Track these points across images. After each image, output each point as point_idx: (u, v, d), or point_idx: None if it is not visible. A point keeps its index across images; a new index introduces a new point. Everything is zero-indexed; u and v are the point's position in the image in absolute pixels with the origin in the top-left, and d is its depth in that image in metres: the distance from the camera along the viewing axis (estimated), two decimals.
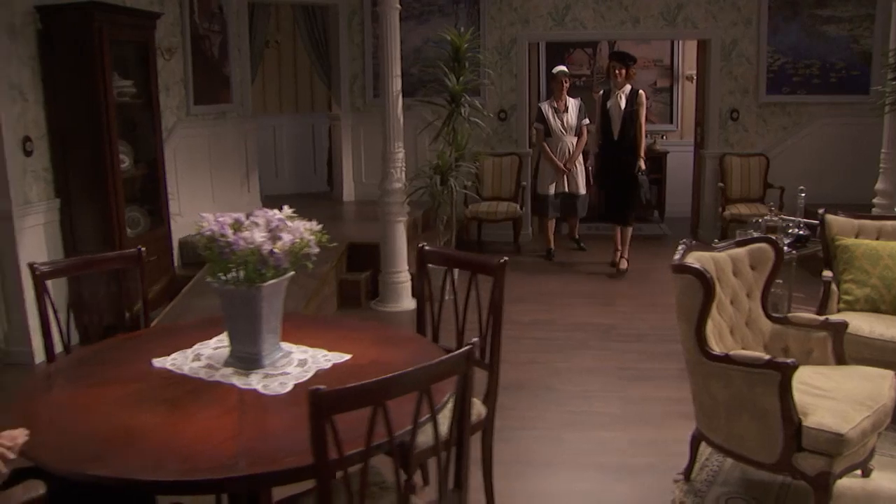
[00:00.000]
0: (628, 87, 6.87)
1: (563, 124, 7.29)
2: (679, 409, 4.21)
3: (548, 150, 7.33)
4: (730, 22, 7.59)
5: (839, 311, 4.20)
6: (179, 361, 2.63)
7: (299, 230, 2.55)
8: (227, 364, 2.58)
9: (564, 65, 7.68)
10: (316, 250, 2.55)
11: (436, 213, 6.17)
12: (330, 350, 2.70)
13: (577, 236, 7.90)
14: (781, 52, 7.56)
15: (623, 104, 6.82)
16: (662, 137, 9.22)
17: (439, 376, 1.97)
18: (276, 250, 2.42)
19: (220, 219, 2.48)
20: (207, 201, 7.04)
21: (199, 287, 5.83)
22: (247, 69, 7.52)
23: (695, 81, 8.77)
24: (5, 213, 4.85)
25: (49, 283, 3.20)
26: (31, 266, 3.08)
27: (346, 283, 6.10)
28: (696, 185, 8.19)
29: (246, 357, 2.57)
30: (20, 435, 2.10)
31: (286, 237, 2.45)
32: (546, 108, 7.40)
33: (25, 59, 4.98)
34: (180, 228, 6.42)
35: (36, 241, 5.07)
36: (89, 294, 5.27)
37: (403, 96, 7.76)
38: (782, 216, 4.82)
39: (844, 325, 3.51)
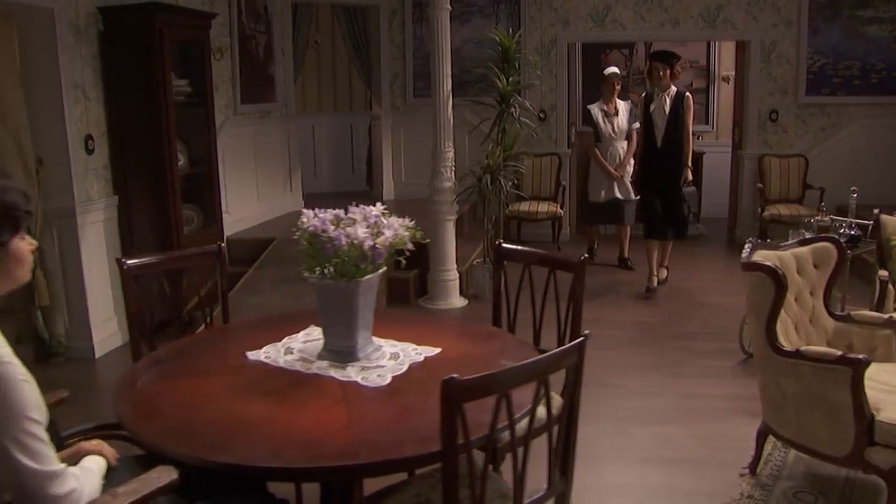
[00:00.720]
0: (673, 89, 6.32)
1: (613, 128, 6.94)
2: (736, 405, 4.28)
3: (599, 155, 6.98)
4: (770, 23, 7.62)
5: (895, 310, 4.24)
6: (273, 354, 2.71)
7: (394, 226, 2.63)
8: (320, 357, 2.64)
9: (614, 66, 7.37)
10: (411, 246, 2.64)
11: (483, 212, 6.24)
12: (418, 344, 2.77)
13: (626, 255, 7.32)
14: (821, 53, 7.57)
15: (668, 108, 6.27)
16: (698, 138, 9.23)
17: (556, 367, 2.04)
18: (377, 245, 2.50)
19: (321, 215, 2.57)
20: (253, 200, 7.16)
21: (251, 285, 5.93)
22: (290, 69, 7.62)
23: (731, 82, 8.81)
24: (69, 211, 4.96)
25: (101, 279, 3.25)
26: (119, 261, 3.16)
27: (395, 280, 6.17)
28: (733, 186, 8.22)
29: (341, 350, 2.64)
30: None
31: (388, 233, 2.53)
32: (596, 111, 7.01)
33: (88, 59, 5.09)
34: (227, 226, 6.53)
35: (96, 238, 5.18)
36: (143, 291, 5.37)
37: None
38: (832, 216, 4.86)
39: None
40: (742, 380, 4.67)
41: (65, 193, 4.97)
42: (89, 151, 5.11)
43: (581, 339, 2.11)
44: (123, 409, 2.31)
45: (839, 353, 3.13)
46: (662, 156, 6.38)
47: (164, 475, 1.95)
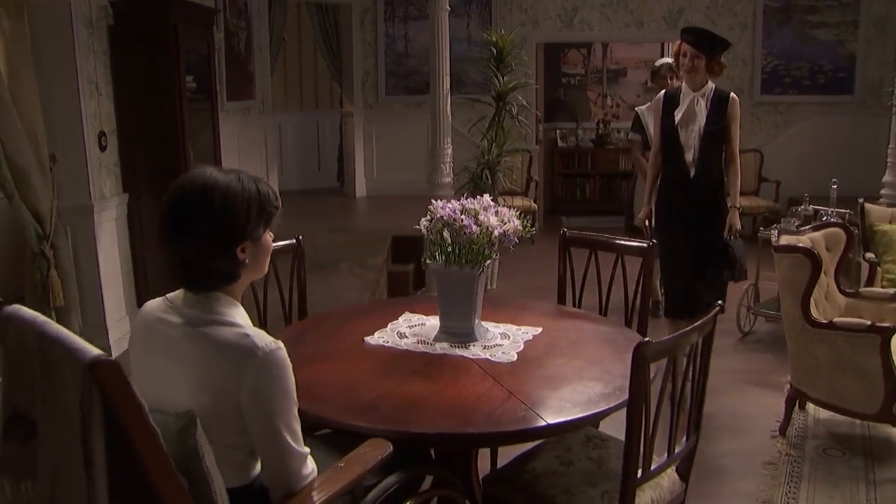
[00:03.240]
0: (710, 87, 4.26)
1: None
2: (745, 377, 4.69)
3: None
4: (727, 26, 8.14)
5: (883, 287, 4.72)
6: (389, 339, 2.84)
7: (507, 215, 2.85)
8: (438, 339, 2.79)
9: (667, 57, 5.70)
10: (529, 233, 2.86)
11: None
12: (517, 325, 2.99)
13: (659, 297, 5.45)
14: (774, 54, 8.16)
15: (704, 116, 4.23)
16: None
17: (702, 333, 2.31)
18: (509, 232, 2.72)
19: (449, 205, 2.76)
20: None
21: (256, 281, 5.96)
22: (267, 66, 7.65)
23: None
24: (85, 209, 4.90)
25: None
26: None
27: (394, 274, 6.35)
28: None
29: (459, 332, 2.79)
30: None
31: (515, 221, 2.75)
32: (647, 114, 5.51)
33: (99, 54, 5.03)
34: None
35: (109, 237, 5.13)
36: (154, 288, 5.37)
37: (412, 94, 8.12)
38: (814, 206, 5.32)
39: None
40: (744, 355, 5.09)
41: (80, 191, 4.89)
42: (102, 148, 5.07)
43: (717, 309, 2.39)
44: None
45: (869, 322, 3.56)
46: (696, 190, 4.29)
47: (380, 448, 2.05)
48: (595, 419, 2.34)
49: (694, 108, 4.28)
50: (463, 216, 2.71)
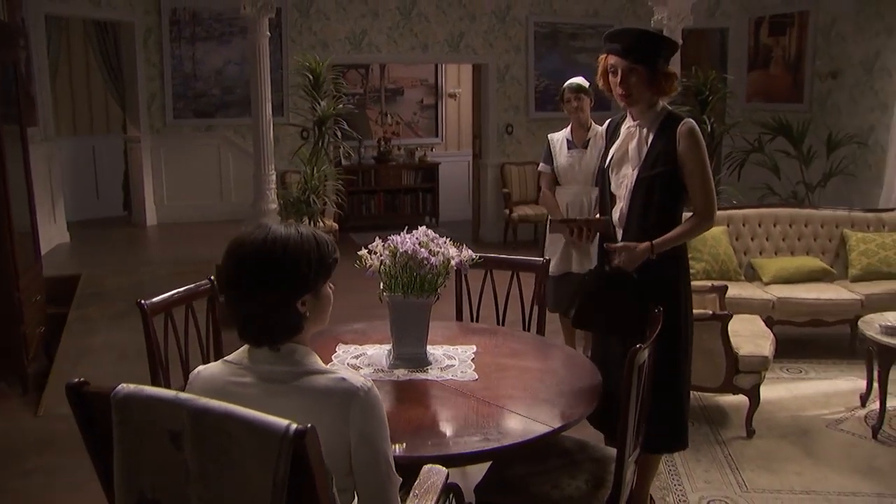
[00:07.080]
0: (661, 112, 2.91)
1: (579, 169, 4.66)
2: None
3: (551, 201, 4.77)
4: (503, 49, 8.86)
5: None
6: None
7: (447, 244, 3.07)
8: (395, 366, 2.92)
9: (580, 76, 4.83)
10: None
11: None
12: (452, 345, 3.21)
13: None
14: (545, 75, 8.99)
15: (641, 153, 2.90)
16: (431, 150, 10.31)
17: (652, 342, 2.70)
18: (464, 261, 2.95)
19: (410, 240, 2.92)
20: None
21: (83, 325, 5.51)
22: (48, 89, 7.02)
23: (457, 98, 9.98)
24: None
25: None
26: (140, 303, 3.08)
27: None
28: (476, 192, 9.36)
29: (413, 358, 2.95)
30: None
31: (467, 251, 2.99)
32: (560, 142, 4.78)
33: None
34: None
35: None
36: None
37: (202, 117, 7.98)
38: None
39: (726, 288, 4.85)
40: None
41: None
42: None
43: (658, 312, 2.80)
44: None
45: (711, 311, 4.26)
46: (620, 269, 2.95)
47: (438, 473, 2.15)
48: (584, 417, 2.65)
49: (627, 144, 2.95)
50: (422, 249, 2.89)
